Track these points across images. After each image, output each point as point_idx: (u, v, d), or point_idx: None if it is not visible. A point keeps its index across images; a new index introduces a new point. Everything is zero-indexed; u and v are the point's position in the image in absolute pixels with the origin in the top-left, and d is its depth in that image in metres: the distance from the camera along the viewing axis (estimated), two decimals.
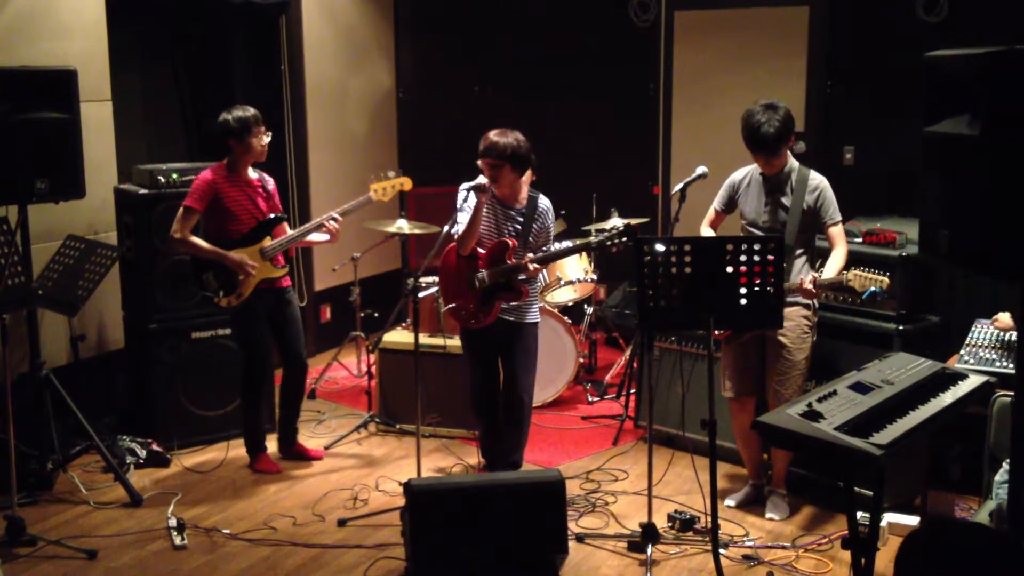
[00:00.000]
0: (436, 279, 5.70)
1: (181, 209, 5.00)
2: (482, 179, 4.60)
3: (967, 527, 3.18)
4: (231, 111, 5.03)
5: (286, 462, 5.41)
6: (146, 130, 6.59)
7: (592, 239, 4.56)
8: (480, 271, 4.70)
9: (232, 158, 5.06)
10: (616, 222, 6.49)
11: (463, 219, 4.66)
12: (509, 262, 4.65)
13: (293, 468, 5.35)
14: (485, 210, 4.70)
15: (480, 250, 4.73)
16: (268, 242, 5.10)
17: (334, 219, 5.09)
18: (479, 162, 4.65)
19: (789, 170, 4.57)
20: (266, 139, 5.09)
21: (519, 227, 4.72)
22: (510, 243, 4.66)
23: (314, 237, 5.24)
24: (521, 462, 4.99)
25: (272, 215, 5.16)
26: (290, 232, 5.20)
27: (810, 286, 4.32)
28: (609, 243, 4.53)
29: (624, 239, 4.49)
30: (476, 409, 5.00)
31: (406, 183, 5.21)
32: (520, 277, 4.65)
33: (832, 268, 4.45)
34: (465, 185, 4.67)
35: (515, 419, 4.88)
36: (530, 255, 4.62)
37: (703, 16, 7.19)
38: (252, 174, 5.16)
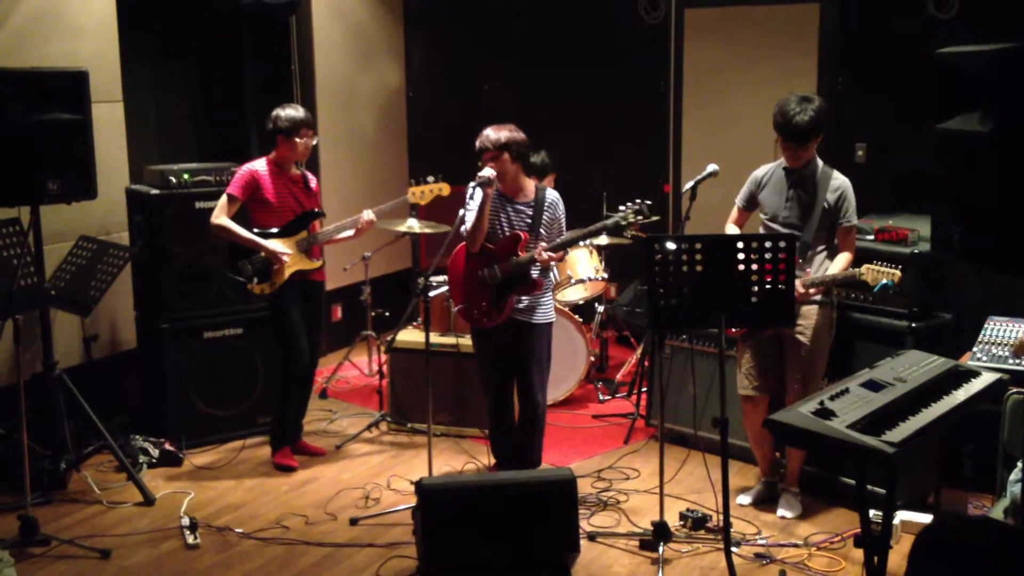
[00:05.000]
0: (447, 278, 5.72)
1: (224, 196, 5.12)
2: (486, 172, 4.63)
3: (981, 523, 3.17)
4: (284, 108, 5.16)
5: (298, 460, 5.42)
6: (157, 131, 6.60)
7: (608, 220, 4.54)
8: (491, 266, 4.72)
9: (278, 153, 5.17)
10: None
11: (470, 216, 4.68)
12: (521, 255, 4.65)
13: (306, 467, 5.36)
14: (494, 208, 4.72)
15: (490, 246, 4.74)
16: (304, 235, 5.18)
17: (369, 218, 5.21)
18: (480, 163, 4.69)
19: (813, 167, 4.56)
20: (312, 142, 5.21)
21: (529, 221, 4.73)
22: (522, 236, 4.68)
23: (343, 233, 5.30)
24: (540, 462, 4.99)
25: (311, 209, 5.25)
26: (326, 227, 5.27)
27: (801, 289, 4.31)
28: (624, 222, 4.52)
29: (640, 217, 4.48)
30: (490, 410, 5.01)
31: (444, 189, 5.27)
32: (534, 270, 4.67)
33: (835, 269, 4.44)
34: (472, 183, 4.69)
35: (530, 420, 4.89)
36: (543, 244, 4.63)
37: (713, 13, 7.16)
38: (296, 170, 5.27)
